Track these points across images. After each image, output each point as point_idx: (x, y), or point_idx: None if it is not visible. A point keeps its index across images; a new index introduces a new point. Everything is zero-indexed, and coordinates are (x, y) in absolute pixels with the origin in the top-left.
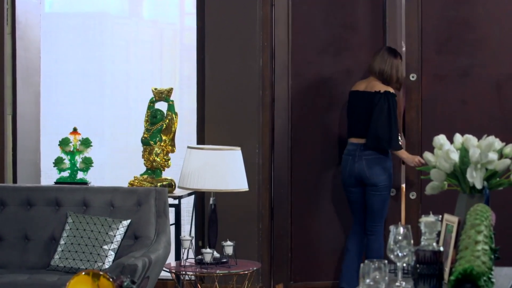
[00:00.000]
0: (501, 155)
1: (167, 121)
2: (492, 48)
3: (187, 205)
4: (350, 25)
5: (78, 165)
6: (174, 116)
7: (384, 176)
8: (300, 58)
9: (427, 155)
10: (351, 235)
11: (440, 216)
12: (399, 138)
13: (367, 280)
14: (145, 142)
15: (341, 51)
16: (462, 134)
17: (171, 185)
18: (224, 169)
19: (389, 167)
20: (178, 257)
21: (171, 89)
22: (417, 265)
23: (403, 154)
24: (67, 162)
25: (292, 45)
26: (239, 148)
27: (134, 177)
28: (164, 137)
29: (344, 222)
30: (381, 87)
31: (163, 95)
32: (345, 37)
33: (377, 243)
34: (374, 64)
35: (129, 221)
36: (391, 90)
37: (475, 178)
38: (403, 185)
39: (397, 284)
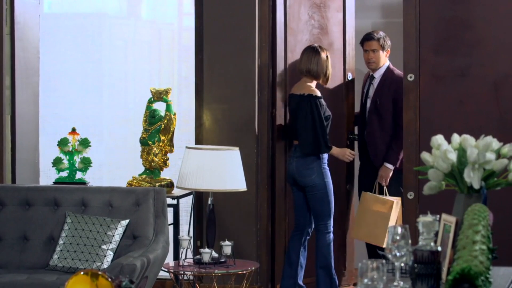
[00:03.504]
0: (499, 155)
1: (166, 121)
2: (490, 48)
3: (186, 205)
4: (323, 26)
5: (76, 165)
6: (172, 116)
7: (313, 176)
8: (296, 58)
9: (425, 155)
10: (290, 241)
11: (438, 216)
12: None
13: (365, 280)
14: (143, 142)
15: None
16: (460, 134)
17: (169, 185)
18: (222, 169)
19: (318, 166)
20: (176, 257)
21: (170, 89)
22: (415, 265)
23: (334, 151)
24: (65, 162)
25: (289, 46)
26: (237, 148)
27: (133, 177)
28: (162, 137)
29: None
30: (306, 90)
31: (161, 95)
32: (320, 38)
33: (320, 242)
34: (301, 65)
35: (127, 221)
36: (315, 92)
37: (472, 178)
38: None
39: (395, 283)
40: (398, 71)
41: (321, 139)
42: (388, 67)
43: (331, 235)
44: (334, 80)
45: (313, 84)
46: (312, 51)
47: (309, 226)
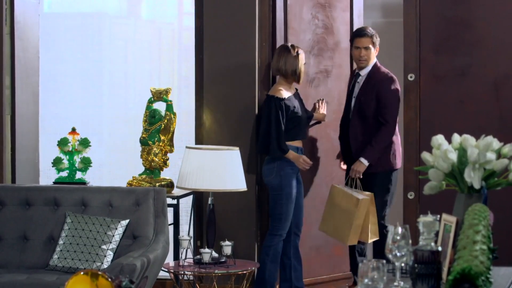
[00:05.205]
0: (499, 155)
1: (166, 121)
2: (490, 48)
3: (186, 205)
4: (328, 26)
5: (76, 165)
6: (172, 116)
7: (271, 177)
8: None
9: (426, 155)
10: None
11: (438, 216)
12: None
13: (365, 280)
14: (143, 142)
15: (322, 52)
16: (460, 134)
17: (169, 185)
18: (222, 169)
19: (278, 167)
20: (176, 257)
21: (170, 89)
22: (416, 265)
23: (289, 155)
24: (65, 162)
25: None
26: (237, 148)
27: (133, 177)
28: (162, 137)
29: None
30: (272, 90)
31: (161, 95)
32: (324, 38)
33: (267, 242)
34: (272, 65)
35: (127, 221)
36: (278, 94)
37: (473, 178)
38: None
39: (396, 284)
40: (384, 69)
41: (273, 141)
42: (375, 65)
43: (280, 243)
44: (341, 79)
45: (286, 85)
46: (281, 50)
47: (294, 227)
